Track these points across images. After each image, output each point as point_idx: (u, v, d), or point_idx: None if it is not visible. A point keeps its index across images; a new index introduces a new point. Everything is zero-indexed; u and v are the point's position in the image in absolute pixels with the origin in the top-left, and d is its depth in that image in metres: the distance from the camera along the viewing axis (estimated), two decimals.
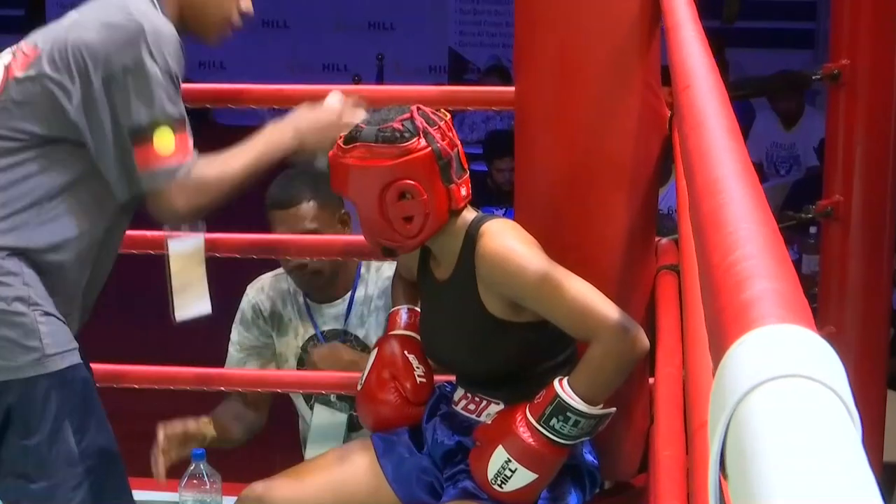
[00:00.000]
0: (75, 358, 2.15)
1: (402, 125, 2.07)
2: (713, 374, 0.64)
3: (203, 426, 2.66)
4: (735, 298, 0.66)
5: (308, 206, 2.73)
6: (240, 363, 2.89)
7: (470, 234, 2.13)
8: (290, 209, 2.73)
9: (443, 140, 2.09)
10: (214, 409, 2.82)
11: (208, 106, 2.85)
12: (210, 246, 2.47)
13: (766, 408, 0.55)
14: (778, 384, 0.56)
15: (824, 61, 2.72)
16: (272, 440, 3.01)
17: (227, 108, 2.89)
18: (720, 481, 0.60)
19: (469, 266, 2.13)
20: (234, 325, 2.91)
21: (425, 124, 2.08)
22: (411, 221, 2.08)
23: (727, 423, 0.57)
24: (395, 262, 2.50)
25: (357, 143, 2.06)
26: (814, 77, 2.68)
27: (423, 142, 2.07)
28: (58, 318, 2.13)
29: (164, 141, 2.09)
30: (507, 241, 2.10)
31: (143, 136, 2.09)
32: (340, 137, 2.10)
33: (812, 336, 0.60)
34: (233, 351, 2.91)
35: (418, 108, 2.11)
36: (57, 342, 2.11)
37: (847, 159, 2.67)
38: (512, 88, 2.38)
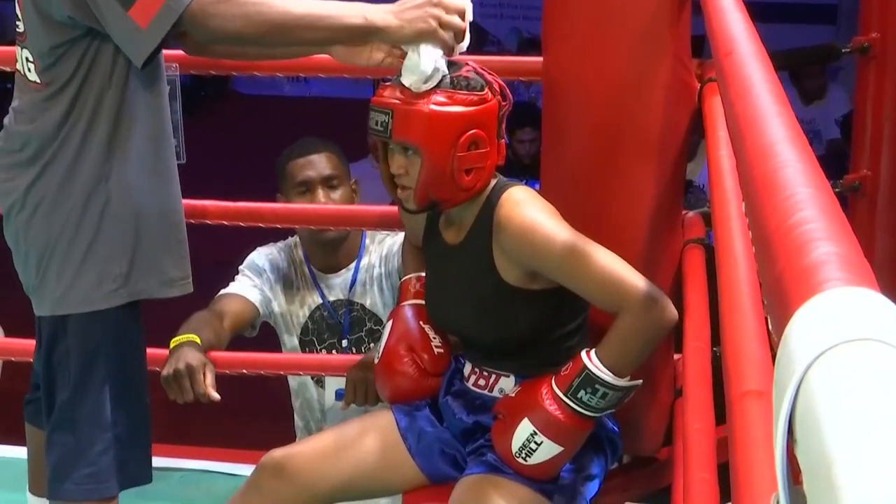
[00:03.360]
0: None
1: (472, 75, 2.06)
2: (777, 339, 0.63)
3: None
4: (797, 262, 0.65)
5: (330, 156, 2.84)
6: (241, 288, 2.79)
7: (491, 199, 2.10)
8: (313, 155, 2.82)
9: (499, 95, 2.08)
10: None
11: (234, 73, 2.83)
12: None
13: (838, 371, 0.54)
14: (849, 347, 0.55)
15: (846, 36, 2.69)
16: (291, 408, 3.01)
17: (247, 78, 2.89)
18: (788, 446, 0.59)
19: (485, 231, 2.10)
20: (239, 275, 2.84)
21: (489, 77, 2.08)
22: (470, 174, 2.06)
23: (797, 388, 0.56)
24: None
25: (435, 89, 2.01)
26: (843, 50, 2.65)
27: (490, 93, 2.06)
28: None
29: None
30: (531, 211, 2.06)
31: None
32: (402, 90, 2.02)
33: (880, 298, 0.59)
34: (240, 277, 2.83)
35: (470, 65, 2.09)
36: None
37: (875, 133, 2.64)
38: (540, 59, 2.36)
